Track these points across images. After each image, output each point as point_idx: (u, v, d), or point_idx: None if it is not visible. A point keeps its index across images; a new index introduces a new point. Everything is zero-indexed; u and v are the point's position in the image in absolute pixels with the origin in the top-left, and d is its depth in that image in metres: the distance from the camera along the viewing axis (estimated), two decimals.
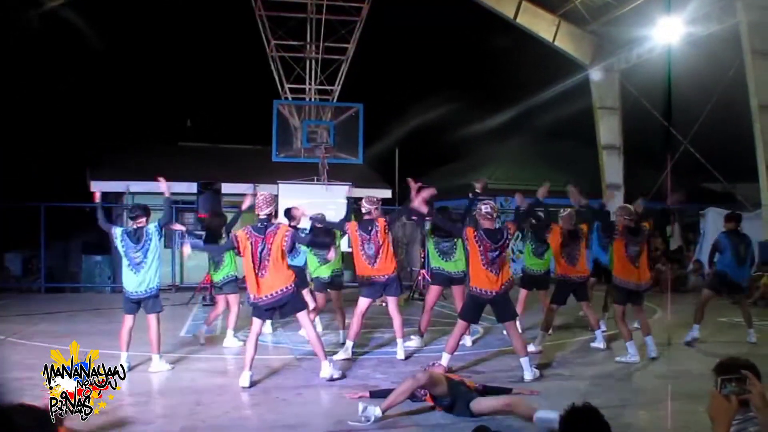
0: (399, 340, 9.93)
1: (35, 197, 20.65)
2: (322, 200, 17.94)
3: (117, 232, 9.20)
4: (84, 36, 22.70)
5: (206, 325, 11.40)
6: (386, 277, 9.72)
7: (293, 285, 8.50)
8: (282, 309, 8.58)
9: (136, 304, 9.29)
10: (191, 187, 18.87)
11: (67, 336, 11.88)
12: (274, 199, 8.94)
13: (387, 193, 24.58)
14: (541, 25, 22.95)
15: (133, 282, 9.15)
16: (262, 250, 8.29)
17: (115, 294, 19.82)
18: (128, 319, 9.28)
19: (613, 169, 24.00)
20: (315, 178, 19.63)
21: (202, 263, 16.57)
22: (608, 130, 23.98)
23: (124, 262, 9.21)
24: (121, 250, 9.18)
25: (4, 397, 4.20)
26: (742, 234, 11.52)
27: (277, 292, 8.35)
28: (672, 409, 7.25)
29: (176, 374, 9.21)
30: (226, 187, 19.43)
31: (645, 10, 20.25)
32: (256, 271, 8.28)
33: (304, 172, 20.61)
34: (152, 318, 9.26)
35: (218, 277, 11.16)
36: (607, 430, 3.45)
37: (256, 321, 8.57)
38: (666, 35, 19.94)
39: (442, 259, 10.73)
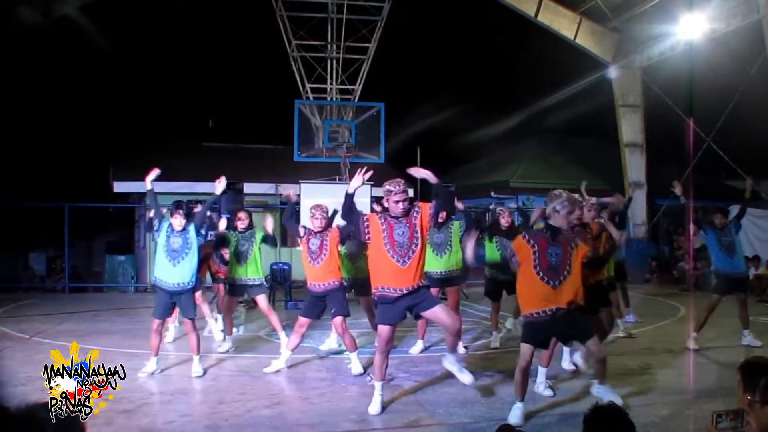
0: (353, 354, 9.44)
1: (59, 197, 20.80)
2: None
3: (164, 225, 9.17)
4: (108, 36, 22.86)
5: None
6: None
7: None
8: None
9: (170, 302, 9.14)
10: (214, 187, 18.94)
11: (90, 335, 12.00)
12: None
13: (409, 192, 24.57)
14: (562, 22, 22.85)
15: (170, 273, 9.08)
16: None
17: (138, 294, 19.97)
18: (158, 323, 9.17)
19: (635, 166, 23.87)
20: (337, 177, 19.66)
21: None
22: (630, 128, 23.84)
23: (161, 251, 9.12)
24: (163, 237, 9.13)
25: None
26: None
27: None
28: (696, 407, 7.22)
29: None
30: (249, 187, 19.50)
31: (667, 6, 20.13)
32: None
33: (326, 172, 20.64)
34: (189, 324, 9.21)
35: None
36: (632, 429, 3.43)
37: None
38: (688, 32, 19.83)
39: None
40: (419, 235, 7.29)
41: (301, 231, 9.42)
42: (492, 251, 11.10)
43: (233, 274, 10.79)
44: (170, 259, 9.03)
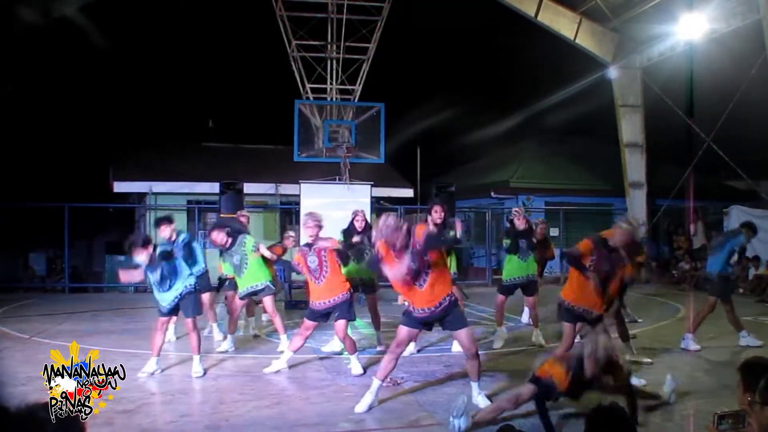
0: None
1: (59, 198, 20.79)
2: (344, 200, 17.95)
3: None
4: (108, 36, 22.86)
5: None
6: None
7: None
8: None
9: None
10: (214, 188, 18.98)
11: (90, 335, 12.00)
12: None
13: (409, 192, 24.61)
14: (563, 22, 22.83)
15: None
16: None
17: (138, 294, 19.94)
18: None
19: (635, 166, 23.84)
20: (337, 177, 19.64)
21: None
22: (630, 128, 23.81)
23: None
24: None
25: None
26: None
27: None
28: (694, 408, 7.22)
29: None
30: (249, 187, 19.48)
31: (667, 6, 20.11)
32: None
33: (326, 172, 20.64)
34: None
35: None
36: (633, 429, 3.44)
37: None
38: (688, 32, 19.82)
39: None
40: (428, 259, 7.16)
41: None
42: (514, 263, 11.22)
43: (239, 286, 10.83)
44: (159, 290, 9.07)
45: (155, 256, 8.93)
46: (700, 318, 10.95)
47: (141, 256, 8.88)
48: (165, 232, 10.29)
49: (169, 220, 10.58)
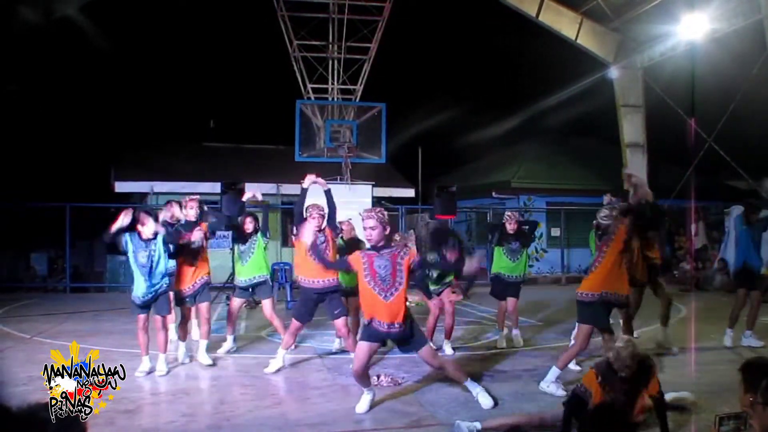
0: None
1: (60, 197, 20.80)
2: (345, 200, 17.93)
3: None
4: (108, 36, 22.86)
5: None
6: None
7: None
8: None
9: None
10: (215, 187, 18.93)
11: (91, 335, 12.01)
12: None
13: (410, 192, 24.59)
14: (564, 22, 22.82)
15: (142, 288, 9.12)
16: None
17: None
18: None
19: (636, 167, 23.78)
20: (338, 177, 19.63)
21: (226, 263, 16.67)
22: (632, 128, 23.81)
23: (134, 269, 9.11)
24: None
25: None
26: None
27: None
28: (695, 409, 7.21)
29: (200, 373, 9.26)
30: (250, 187, 19.45)
31: (668, 6, 20.12)
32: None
33: (328, 172, 20.60)
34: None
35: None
36: (633, 429, 3.44)
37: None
38: (690, 32, 19.81)
39: None
40: (403, 274, 7.05)
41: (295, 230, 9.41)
42: (500, 256, 11.21)
43: (239, 276, 10.82)
44: (141, 273, 9.02)
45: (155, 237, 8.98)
46: (752, 314, 10.99)
47: (146, 228, 8.93)
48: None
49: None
